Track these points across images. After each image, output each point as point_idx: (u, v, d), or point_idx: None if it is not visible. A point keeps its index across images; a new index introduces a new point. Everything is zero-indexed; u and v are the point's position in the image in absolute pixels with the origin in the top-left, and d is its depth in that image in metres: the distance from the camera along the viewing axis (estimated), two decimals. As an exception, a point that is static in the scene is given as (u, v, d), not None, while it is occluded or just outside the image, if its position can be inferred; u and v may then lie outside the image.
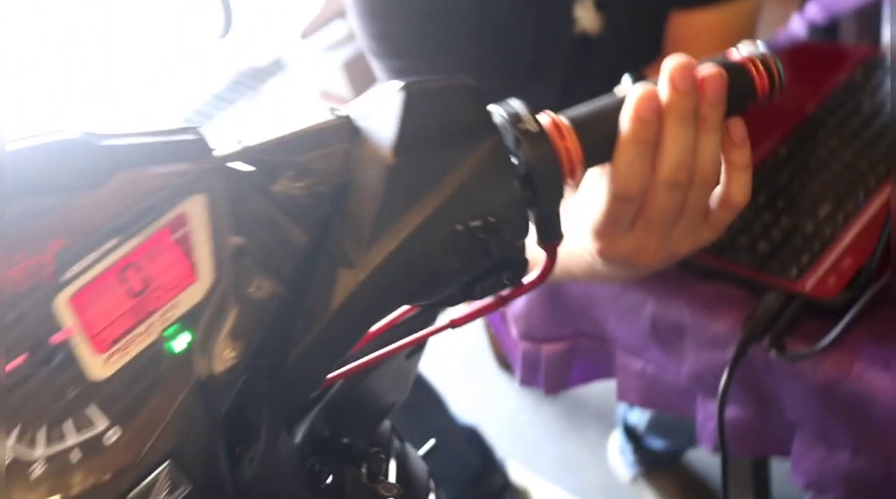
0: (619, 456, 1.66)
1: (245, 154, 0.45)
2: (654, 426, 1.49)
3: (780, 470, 1.02)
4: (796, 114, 0.98)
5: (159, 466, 0.41)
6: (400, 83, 0.47)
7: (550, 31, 1.03)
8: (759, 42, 0.54)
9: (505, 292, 0.53)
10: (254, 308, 0.44)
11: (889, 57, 0.95)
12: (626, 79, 0.56)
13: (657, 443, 1.54)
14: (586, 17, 1.03)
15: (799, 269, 0.78)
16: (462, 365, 2.01)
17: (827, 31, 1.16)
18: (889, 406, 0.70)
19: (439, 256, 0.47)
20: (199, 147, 0.44)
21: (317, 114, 0.48)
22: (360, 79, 2.88)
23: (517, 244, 0.49)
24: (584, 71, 1.08)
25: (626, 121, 0.52)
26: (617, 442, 1.66)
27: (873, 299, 0.72)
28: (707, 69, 0.52)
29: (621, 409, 1.58)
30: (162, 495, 0.41)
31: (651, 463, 1.58)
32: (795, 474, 0.82)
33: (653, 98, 0.51)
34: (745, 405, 0.82)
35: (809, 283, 0.76)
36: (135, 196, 0.43)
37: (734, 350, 0.75)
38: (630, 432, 1.58)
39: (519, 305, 0.98)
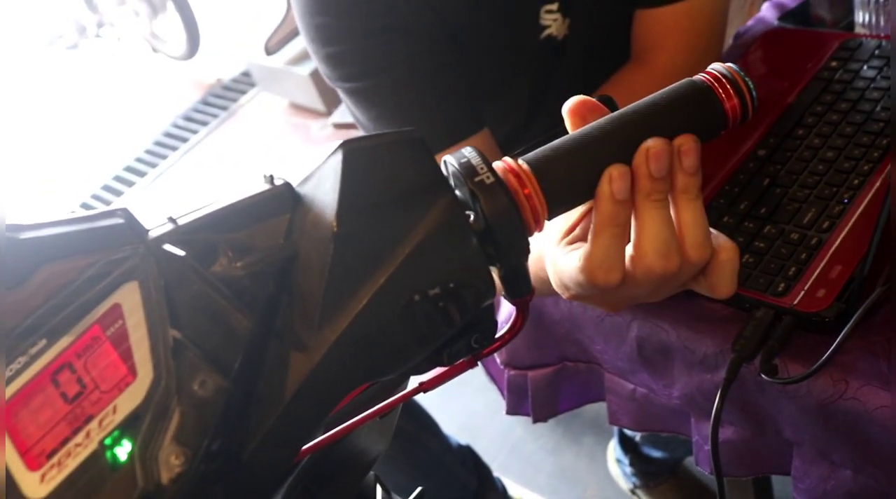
0: (617, 467, 1.63)
1: (178, 234, 0.42)
2: (651, 436, 1.46)
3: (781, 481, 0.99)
4: (774, 107, 0.95)
5: None
6: (337, 143, 0.43)
7: (516, 38, 0.99)
8: (728, 65, 0.50)
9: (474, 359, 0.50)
10: (199, 407, 0.40)
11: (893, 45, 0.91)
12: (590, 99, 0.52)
13: (655, 452, 1.51)
14: (552, 22, 1.00)
15: (787, 282, 0.74)
16: (454, 383, 1.97)
17: (800, 17, 1.13)
18: (888, 425, 0.67)
19: (398, 329, 0.43)
20: (128, 231, 0.41)
21: (253, 184, 0.44)
22: (329, 89, 2.84)
23: (481, 306, 0.45)
24: (553, 77, 1.05)
25: (596, 204, 0.48)
26: (614, 452, 1.63)
27: (866, 313, 0.69)
28: (682, 140, 0.48)
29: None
30: None
31: (649, 473, 1.55)
32: (797, 494, 0.79)
33: (625, 176, 0.48)
34: (741, 426, 0.79)
35: (799, 298, 0.73)
36: (62, 291, 0.39)
37: (725, 371, 0.72)
38: (627, 442, 1.55)
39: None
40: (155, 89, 3.66)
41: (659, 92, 0.50)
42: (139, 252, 0.40)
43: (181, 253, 0.41)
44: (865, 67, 0.96)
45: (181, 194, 2.99)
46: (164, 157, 3.22)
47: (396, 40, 0.90)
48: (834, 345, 0.67)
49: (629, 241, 0.50)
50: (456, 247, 0.43)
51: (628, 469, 1.57)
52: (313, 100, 2.91)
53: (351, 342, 0.42)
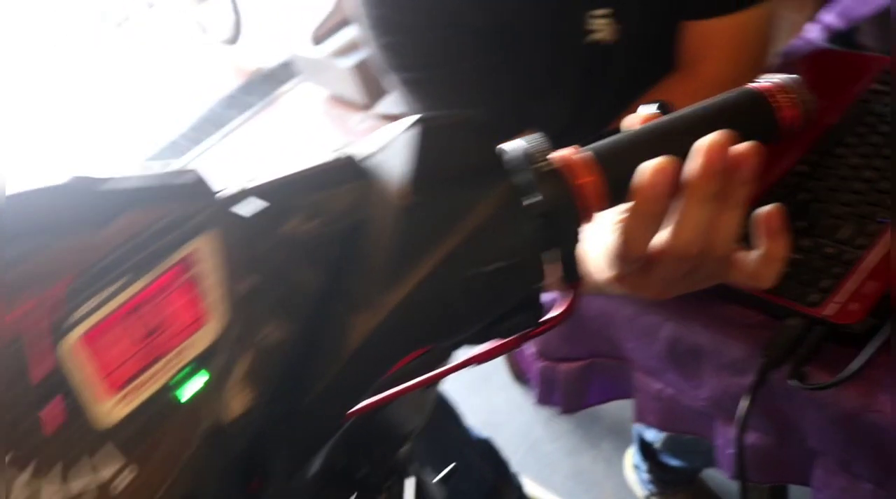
0: (634, 473, 1.64)
1: (253, 193, 0.44)
2: (671, 445, 1.47)
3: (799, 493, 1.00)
4: (817, 126, 0.96)
5: None
6: (413, 119, 0.45)
7: (564, 40, 1.02)
8: (786, 75, 0.52)
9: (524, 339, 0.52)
10: (266, 353, 0.43)
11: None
12: (652, 107, 0.54)
13: (673, 461, 1.53)
14: (601, 27, 1.02)
15: (820, 294, 0.76)
16: (477, 378, 2.00)
17: (847, 40, 1.15)
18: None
19: (456, 299, 0.45)
20: (203, 188, 0.43)
21: (320, 155, 0.47)
22: (370, 83, 2.88)
23: (531, 288, 0.47)
24: (600, 80, 1.07)
25: (636, 190, 0.50)
26: (632, 458, 1.65)
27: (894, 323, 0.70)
28: (743, 147, 0.49)
29: (637, 426, 1.56)
30: None
31: (666, 481, 1.56)
32: (816, 502, 0.81)
33: (669, 173, 0.49)
34: (765, 432, 0.81)
35: (831, 309, 0.75)
36: (143, 235, 0.42)
37: (754, 376, 0.74)
38: (646, 449, 1.56)
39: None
40: (197, 72, 3.71)
41: (717, 97, 0.52)
42: (216, 206, 0.43)
43: (257, 209, 0.43)
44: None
45: (219, 178, 3.02)
46: (201, 140, 3.27)
47: (451, 37, 0.93)
48: (865, 353, 0.69)
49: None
50: (511, 228, 0.46)
51: (645, 476, 1.58)
52: (354, 92, 2.94)
53: (409, 308, 0.45)
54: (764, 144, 0.52)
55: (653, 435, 1.50)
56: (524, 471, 1.69)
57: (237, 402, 0.42)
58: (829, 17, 1.19)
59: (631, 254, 0.54)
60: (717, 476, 1.60)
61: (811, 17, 1.31)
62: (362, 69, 2.86)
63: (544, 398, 1.00)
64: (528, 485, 1.68)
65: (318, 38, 2.93)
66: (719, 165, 0.49)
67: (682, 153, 0.51)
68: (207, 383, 0.42)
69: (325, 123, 3.10)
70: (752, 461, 0.82)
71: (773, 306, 0.78)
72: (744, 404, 0.73)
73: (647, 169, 0.49)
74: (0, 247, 0.39)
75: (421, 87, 0.96)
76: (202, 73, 3.69)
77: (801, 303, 0.76)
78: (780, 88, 0.52)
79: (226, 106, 3.43)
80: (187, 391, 0.41)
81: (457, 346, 0.52)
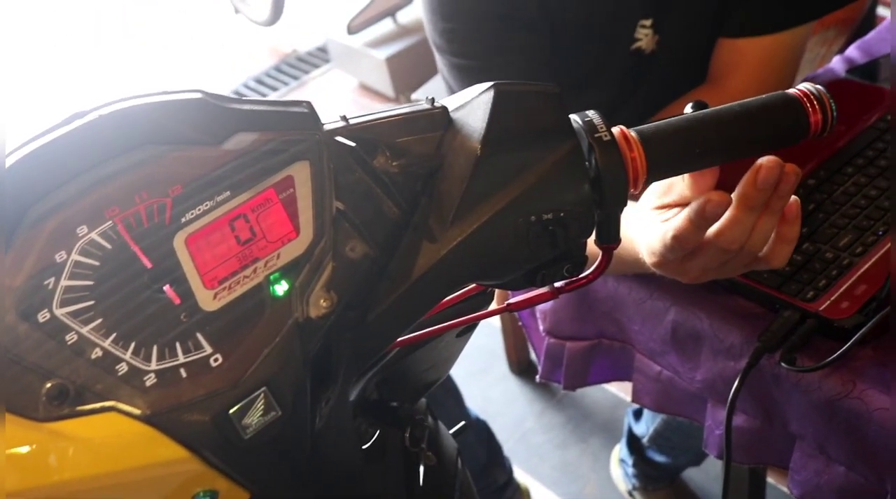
0: (619, 468, 1.71)
1: (349, 131, 0.52)
2: (657, 440, 1.54)
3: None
4: (828, 146, 1.04)
5: (256, 391, 0.47)
6: (490, 83, 0.53)
7: (611, 45, 1.09)
8: (817, 86, 0.60)
9: (560, 284, 0.60)
10: (347, 266, 0.50)
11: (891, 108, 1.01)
12: (689, 107, 0.62)
13: (659, 457, 1.59)
14: (643, 36, 1.09)
15: (816, 291, 0.84)
16: (477, 366, 2.07)
17: (866, 73, 1.22)
18: (885, 426, 0.76)
19: (511, 241, 0.53)
20: (311, 119, 0.51)
21: (417, 103, 0.54)
22: (401, 76, 2.96)
23: (580, 240, 0.55)
24: (635, 86, 1.14)
25: (692, 207, 0.62)
26: (619, 453, 1.71)
27: (880, 324, 0.78)
28: (789, 168, 0.60)
29: (627, 421, 1.63)
30: (256, 417, 0.47)
31: (650, 476, 1.63)
32: (792, 485, 0.88)
33: (723, 200, 0.61)
34: (752, 415, 0.88)
35: (824, 305, 0.82)
36: (249, 155, 0.49)
37: (747, 360, 0.82)
38: (633, 443, 1.63)
39: (548, 303, 1.04)
40: (230, 50, 3.79)
41: (754, 97, 0.60)
42: (315, 137, 0.51)
43: (351, 144, 0.51)
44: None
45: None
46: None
47: (506, 29, 1.01)
48: (849, 341, 0.77)
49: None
50: (572, 184, 0.54)
51: (630, 470, 1.65)
52: (385, 84, 3.02)
53: (472, 244, 0.53)
54: (792, 143, 0.60)
55: (642, 429, 1.57)
56: (513, 459, 1.77)
57: (318, 304, 0.49)
58: (853, 53, 1.27)
59: (682, 246, 0.64)
60: (697, 477, 1.67)
61: (836, 52, 1.38)
62: (394, 61, 2.94)
63: (548, 374, 1.08)
64: (516, 472, 1.75)
65: (354, 29, 3.01)
66: (773, 181, 0.60)
67: (719, 144, 0.59)
68: (294, 286, 0.49)
69: (353, 111, 3.17)
70: (738, 442, 0.90)
71: (772, 299, 0.85)
72: (735, 384, 0.81)
73: (714, 194, 0.61)
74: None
75: (471, 74, 1.04)
76: (235, 50, 3.77)
77: (798, 298, 0.84)
78: (813, 96, 0.60)
79: (256, 84, 3.50)
80: (280, 289, 0.49)
81: (506, 288, 0.59)
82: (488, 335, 2.08)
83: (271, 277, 0.49)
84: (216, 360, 0.47)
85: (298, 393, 0.48)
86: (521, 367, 2.03)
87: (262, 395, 0.47)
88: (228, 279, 0.49)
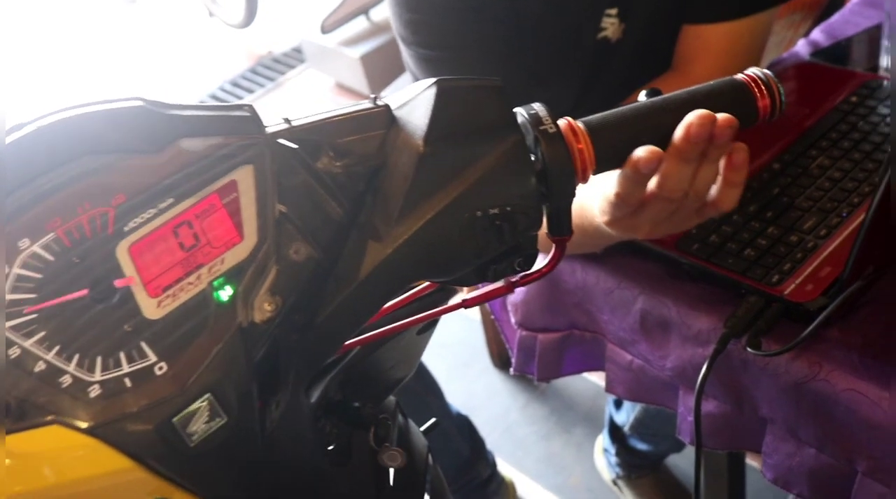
0: (603, 457, 1.72)
1: (292, 133, 0.51)
2: (638, 428, 1.54)
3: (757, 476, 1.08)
4: (793, 129, 1.04)
5: (201, 398, 0.47)
6: (433, 80, 0.53)
7: (576, 36, 1.09)
8: (765, 70, 0.60)
9: (515, 278, 0.59)
10: (292, 269, 0.50)
11: (891, 81, 1.01)
12: (643, 94, 0.62)
13: (641, 445, 1.60)
14: (609, 25, 1.09)
15: (781, 275, 0.84)
16: (459, 360, 2.07)
17: (830, 56, 1.22)
18: (852, 407, 0.76)
19: (458, 237, 0.53)
20: (253, 123, 0.51)
21: (360, 103, 0.54)
22: (376, 73, 2.95)
23: (529, 234, 0.55)
24: (601, 74, 1.14)
25: (627, 163, 0.61)
26: (602, 443, 1.72)
27: (845, 304, 0.78)
28: (722, 119, 0.59)
29: (608, 410, 1.63)
30: (201, 424, 0.47)
31: (633, 465, 1.64)
32: (765, 468, 0.88)
33: (653, 156, 0.60)
34: (722, 401, 0.89)
35: (789, 288, 0.82)
36: (192, 162, 0.49)
37: (716, 347, 0.82)
38: (615, 432, 1.63)
39: (519, 295, 1.04)
40: (206, 53, 3.77)
41: (702, 84, 0.60)
42: (259, 141, 0.50)
43: (294, 146, 0.51)
44: (881, 106, 1.05)
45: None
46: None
47: (471, 21, 1.00)
48: (815, 322, 0.77)
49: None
50: (517, 178, 0.53)
51: (613, 459, 1.65)
52: (360, 82, 3.01)
53: (419, 241, 0.52)
54: (742, 128, 0.60)
55: (623, 418, 1.57)
56: (497, 453, 1.77)
57: (262, 308, 0.49)
58: (816, 34, 1.27)
59: (626, 203, 0.65)
60: (682, 464, 1.68)
61: (802, 36, 1.38)
62: (369, 59, 2.93)
63: (522, 367, 1.07)
64: (501, 466, 1.75)
65: (327, 28, 3.00)
66: (704, 135, 0.59)
67: (668, 131, 0.59)
68: (238, 291, 0.49)
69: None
70: (710, 429, 0.90)
71: (737, 285, 0.85)
72: (703, 369, 0.81)
73: (643, 151, 0.60)
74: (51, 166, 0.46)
75: (436, 66, 1.03)
76: (210, 54, 3.75)
77: (763, 282, 0.84)
78: (761, 80, 0.60)
79: (232, 87, 3.49)
80: (224, 295, 0.49)
81: (456, 284, 0.59)
82: (469, 330, 2.08)
83: (215, 283, 0.49)
84: (161, 368, 0.47)
85: (244, 398, 0.48)
86: (503, 360, 2.02)
87: (207, 401, 0.47)
88: (172, 287, 0.48)
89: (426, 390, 1.50)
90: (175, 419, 0.46)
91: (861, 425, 0.76)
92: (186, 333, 0.48)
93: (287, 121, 0.52)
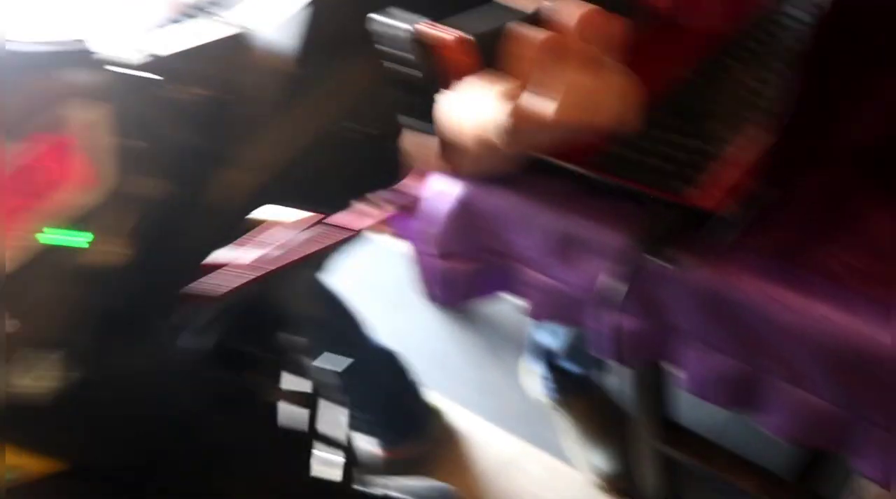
0: (535, 381, 1.71)
1: (146, 63, 0.47)
2: (570, 351, 1.54)
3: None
4: (709, 37, 1.01)
5: (50, 353, 0.43)
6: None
7: None
8: None
9: (389, 198, 0.56)
10: (148, 206, 0.46)
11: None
12: None
13: (573, 367, 1.59)
14: None
15: (689, 183, 0.82)
16: (391, 298, 2.04)
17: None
18: (762, 313, 0.75)
19: (319, 154, 0.49)
20: (102, 56, 0.46)
21: (217, 27, 0.50)
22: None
23: (390, 146, 0.52)
24: None
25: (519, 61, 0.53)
26: (526, 365, 1.71)
27: (755, 210, 0.76)
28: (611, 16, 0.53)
29: (531, 332, 1.62)
30: (49, 381, 0.43)
31: (567, 388, 1.63)
32: (682, 380, 0.88)
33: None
34: (639, 316, 0.87)
35: (698, 196, 0.80)
36: (35, 100, 0.44)
37: (628, 262, 0.80)
38: (547, 356, 1.62)
39: (434, 223, 1.00)
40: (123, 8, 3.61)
41: None
42: (110, 74, 0.46)
43: (149, 77, 0.46)
44: (802, 13, 1.02)
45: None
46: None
47: None
48: (728, 230, 0.75)
49: None
50: (379, 92, 0.50)
51: (549, 384, 1.65)
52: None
53: (280, 162, 0.49)
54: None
55: (548, 340, 1.56)
56: (432, 385, 1.76)
57: (120, 250, 0.45)
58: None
59: (521, 125, 0.54)
60: (616, 384, 1.68)
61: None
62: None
63: (436, 294, 1.05)
64: (435, 398, 1.75)
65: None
66: (596, 31, 0.52)
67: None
68: (92, 236, 0.45)
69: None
70: (628, 344, 0.89)
71: (647, 197, 0.83)
72: (620, 288, 0.79)
73: (533, 41, 0.51)
74: None
75: None
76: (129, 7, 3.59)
77: (672, 191, 0.82)
78: None
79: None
80: (74, 240, 0.44)
81: (329, 210, 0.56)
82: (403, 266, 2.04)
83: (65, 230, 0.44)
84: (14, 326, 0.43)
85: (97, 350, 0.44)
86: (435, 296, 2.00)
87: (58, 356, 0.43)
88: (19, 236, 0.44)
89: (347, 324, 1.47)
90: (22, 379, 0.42)
91: (772, 328, 0.75)
92: (38, 285, 0.44)
93: (140, 50, 0.48)
